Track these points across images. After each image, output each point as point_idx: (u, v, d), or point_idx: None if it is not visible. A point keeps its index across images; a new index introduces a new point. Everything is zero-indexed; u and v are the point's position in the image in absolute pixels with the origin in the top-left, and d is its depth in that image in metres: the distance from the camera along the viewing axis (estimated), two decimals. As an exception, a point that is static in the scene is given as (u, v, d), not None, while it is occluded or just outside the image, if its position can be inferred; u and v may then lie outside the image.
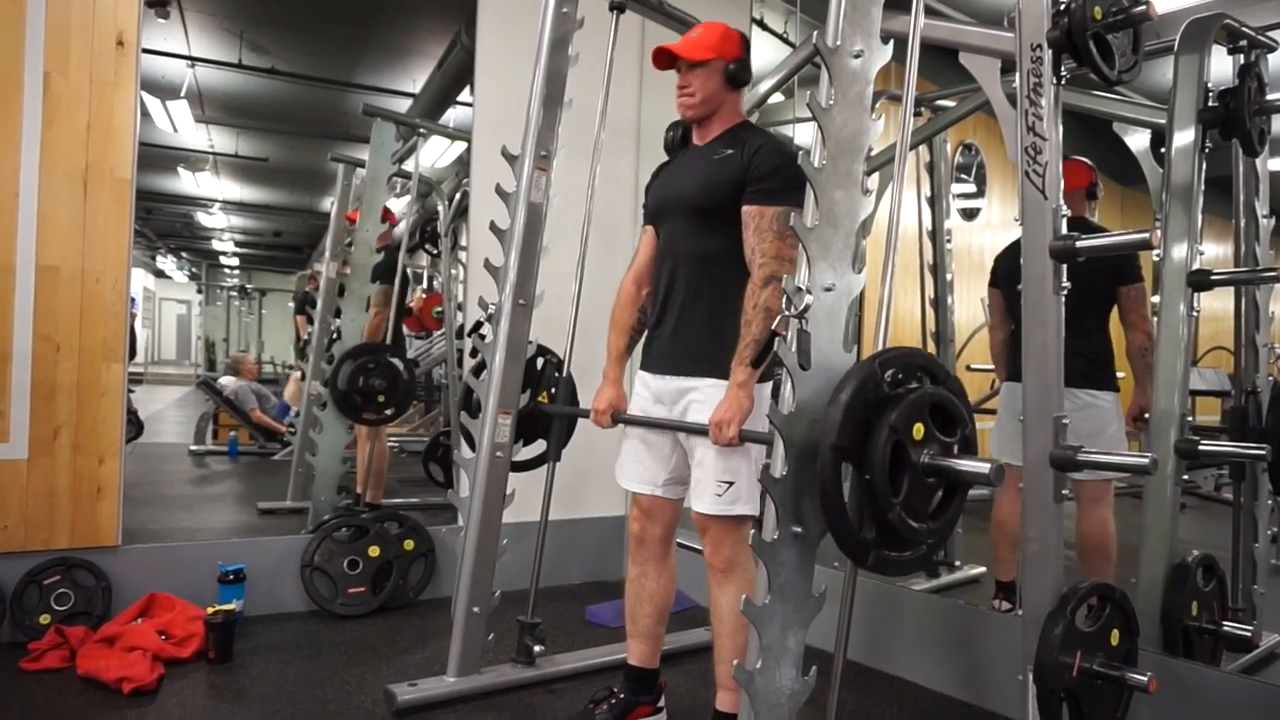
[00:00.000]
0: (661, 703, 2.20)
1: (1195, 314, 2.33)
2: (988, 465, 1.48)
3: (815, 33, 1.71)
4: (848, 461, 1.49)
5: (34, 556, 2.57)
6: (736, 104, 2.03)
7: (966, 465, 1.52)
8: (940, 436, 1.54)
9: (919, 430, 1.51)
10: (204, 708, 2.19)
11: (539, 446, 2.53)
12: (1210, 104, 2.33)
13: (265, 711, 2.17)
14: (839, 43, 1.68)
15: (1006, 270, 2.91)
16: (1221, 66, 2.37)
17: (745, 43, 2.01)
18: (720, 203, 1.91)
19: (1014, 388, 2.76)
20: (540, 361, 2.55)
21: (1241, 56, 2.38)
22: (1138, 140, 2.96)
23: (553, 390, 2.49)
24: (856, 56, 1.70)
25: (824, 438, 1.48)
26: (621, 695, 2.14)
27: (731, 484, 1.86)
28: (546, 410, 2.47)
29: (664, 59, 1.99)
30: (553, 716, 2.20)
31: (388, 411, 3.52)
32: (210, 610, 2.51)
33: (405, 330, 4.29)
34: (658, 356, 2.04)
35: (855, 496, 1.51)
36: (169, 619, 2.57)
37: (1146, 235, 1.61)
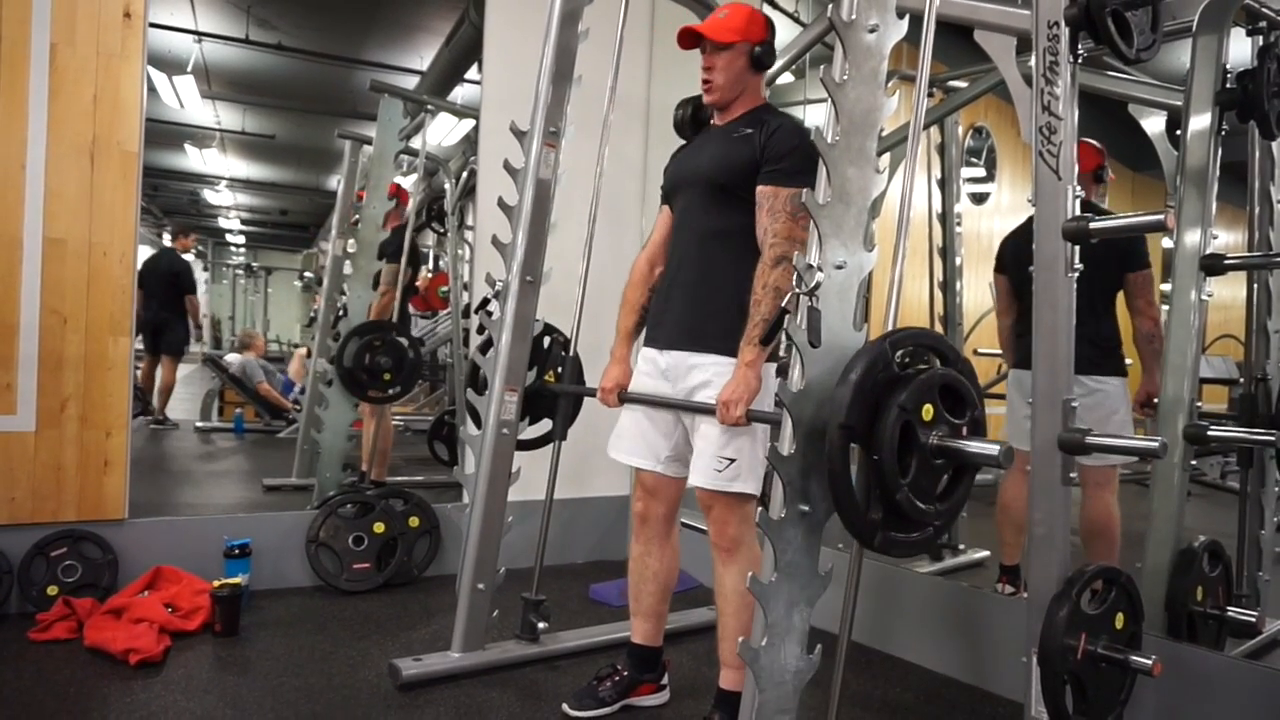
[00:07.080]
0: (664, 680, 2.22)
1: (1207, 299, 2.31)
2: (996, 447, 1.47)
3: (829, 7, 1.69)
4: (856, 442, 1.48)
5: (41, 528, 2.58)
6: (759, 87, 2.02)
7: (975, 447, 1.51)
8: (949, 418, 1.52)
9: (928, 411, 1.50)
10: (210, 679, 2.20)
11: (545, 425, 2.53)
12: (1228, 86, 2.30)
13: (271, 684, 2.18)
14: (854, 16, 1.66)
15: (1013, 255, 2.89)
16: (1240, 48, 2.34)
17: (771, 26, 2.01)
18: (735, 180, 1.90)
19: (1021, 374, 2.75)
20: (547, 340, 2.54)
21: (1261, 38, 2.34)
22: (1154, 124, 2.93)
23: (559, 369, 2.49)
24: (871, 31, 1.68)
25: (833, 417, 1.47)
26: (625, 672, 2.15)
27: (733, 461, 1.86)
28: (553, 389, 2.46)
29: (689, 38, 1.98)
30: (556, 693, 2.21)
31: (393, 390, 3.52)
32: (216, 584, 2.53)
33: (411, 309, 4.29)
34: (664, 330, 2.02)
35: (863, 477, 1.50)
36: (175, 592, 2.58)
37: (1160, 217, 1.58)
